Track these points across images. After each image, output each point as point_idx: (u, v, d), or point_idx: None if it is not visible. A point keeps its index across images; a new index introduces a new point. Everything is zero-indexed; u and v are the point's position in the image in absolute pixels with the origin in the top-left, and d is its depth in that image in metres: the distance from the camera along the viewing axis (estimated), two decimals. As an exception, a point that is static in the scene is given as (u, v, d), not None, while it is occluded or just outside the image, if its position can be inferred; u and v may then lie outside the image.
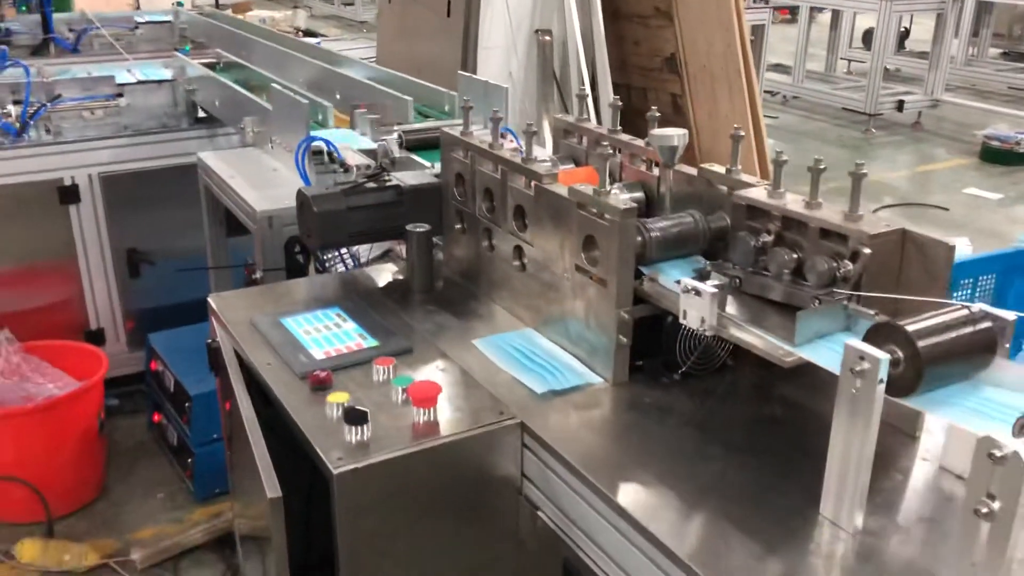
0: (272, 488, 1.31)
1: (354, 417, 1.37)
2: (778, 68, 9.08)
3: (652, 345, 1.54)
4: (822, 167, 1.40)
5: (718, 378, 1.55)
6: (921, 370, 1.10)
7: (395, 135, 2.30)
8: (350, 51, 4.11)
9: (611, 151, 1.58)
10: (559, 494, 1.36)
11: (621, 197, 1.51)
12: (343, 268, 2.11)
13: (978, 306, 1.18)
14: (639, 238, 1.51)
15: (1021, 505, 0.95)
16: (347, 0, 13.92)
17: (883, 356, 1.09)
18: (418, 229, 1.87)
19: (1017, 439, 0.98)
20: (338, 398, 1.43)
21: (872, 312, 1.27)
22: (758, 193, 1.48)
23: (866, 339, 1.14)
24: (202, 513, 2.88)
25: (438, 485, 1.40)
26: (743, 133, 1.60)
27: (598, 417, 1.46)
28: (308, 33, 8.99)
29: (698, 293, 1.34)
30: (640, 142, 1.76)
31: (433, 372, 1.56)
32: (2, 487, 2.78)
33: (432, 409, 1.41)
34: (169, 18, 4.92)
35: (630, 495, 1.25)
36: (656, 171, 1.73)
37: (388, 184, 1.96)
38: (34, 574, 2.66)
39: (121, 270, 3.24)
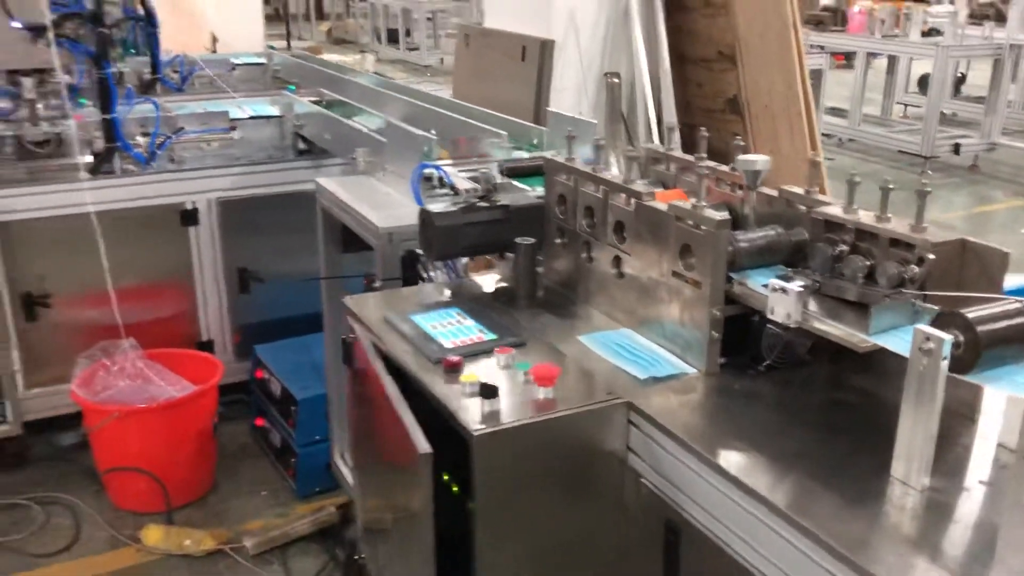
0: (422, 445, 1.55)
1: (487, 391, 1.61)
2: (834, 112, 9.27)
3: (735, 344, 1.77)
4: (891, 186, 1.63)
5: (798, 371, 1.77)
6: (979, 350, 1.32)
7: (495, 164, 2.57)
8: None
9: (707, 172, 1.82)
10: (662, 462, 1.58)
11: (715, 211, 1.75)
12: (448, 278, 2.38)
13: (1029, 301, 1.39)
14: (729, 247, 1.75)
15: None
16: (412, 45, 14.43)
17: (947, 337, 1.31)
18: (525, 242, 2.13)
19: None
20: (470, 378, 1.68)
21: (935, 308, 1.49)
22: (835, 209, 1.71)
23: (932, 325, 1.36)
24: (304, 508, 3.14)
25: (555, 453, 1.63)
26: (819, 159, 1.83)
27: (694, 400, 1.69)
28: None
29: (785, 291, 1.58)
30: (725, 168, 2.00)
31: (546, 360, 1.80)
32: (129, 478, 3.08)
33: (551, 388, 1.65)
34: (263, 60, 5.31)
35: (728, 459, 1.48)
36: (740, 193, 1.97)
37: (497, 204, 2.23)
38: (157, 556, 2.94)
39: (232, 287, 3.55)
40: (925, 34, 8.12)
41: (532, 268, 2.15)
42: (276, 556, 2.94)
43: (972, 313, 1.35)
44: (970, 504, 1.37)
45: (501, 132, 2.91)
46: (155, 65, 4.87)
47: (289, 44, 13.46)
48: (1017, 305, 1.38)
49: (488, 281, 2.29)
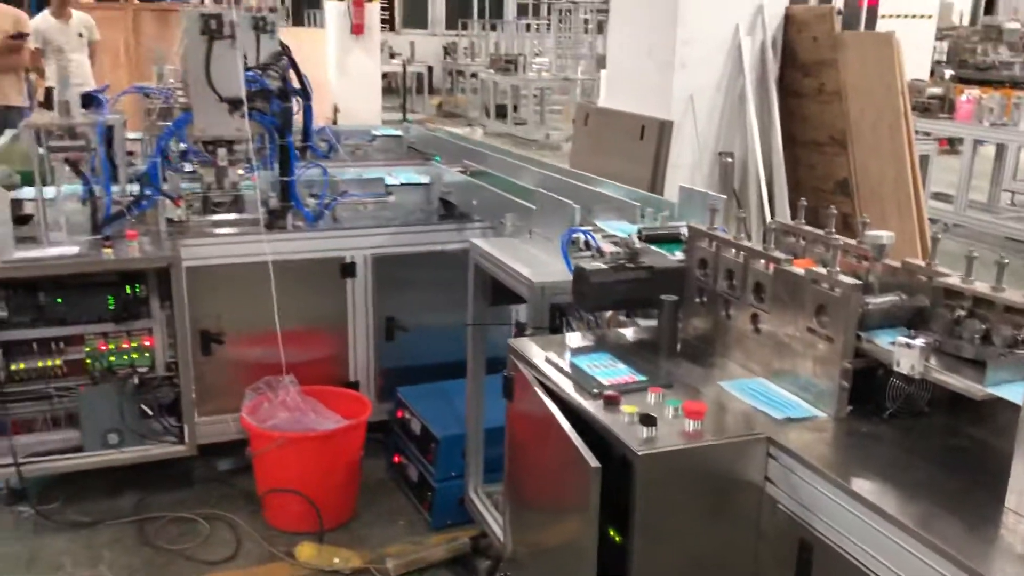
0: (593, 461, 1.84)
1: (647, 420, 1.90)
2: (939, 196, 9.34)
3: (859, 395, 2.01)
4: (1006, 262, 1.88)
5: (917, 420, 2.00)
6: (1085, 399, 1.55)
7: (636, 230, 2.89)
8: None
9: (839, 243, 2.10)
10: (798, 489, 1.83)
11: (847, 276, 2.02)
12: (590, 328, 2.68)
13: None
14: (859, 308, 2.01)
15: None
16: (519, 120, 15.05)
17: (1057, 386, 1.55)
18: (670, 299, 2.43)
19: None
20: (630, 409, 1.97)
21: (1046, 366, 1.72)
22: (954, 280, 1.96)
23: (1043, 377, 1.60)
24: (438, 538, 3.43)
25: (702, 478, 1.90)
26: (939, 236, 2.09)
27: (826, 438, 1.93)
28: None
29: (910, 346, 1.83)
30: (853, 241, 2.27)
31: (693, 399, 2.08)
32: (286, 499, 3.43)
33: (700, 422, 1.93)
34: (400, 133, 5.81)
35: (860, 485, 1.72)
36: (865, 264, 2.23)
37: (643, 265, 2.54)
38: (308, 572, 3.27)
39: (379, 334, 3.93)
40: (1035, 124, 8.21)
41: (674, 322, 2.43)
42: (415, 578, 3.24)
43: (1079, 368, 1.58)
44: (1077, 533, 1.58)
45: (634, 203, 3.23)
46: (307, 134, 5.40)
47: (405, 116, 14.24)
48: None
49: (628, 333, 2.59)
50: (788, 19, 5.41)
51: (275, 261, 3.65)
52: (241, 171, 3.88)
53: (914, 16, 13.55)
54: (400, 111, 15.36)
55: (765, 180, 5.36)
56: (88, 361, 3.47)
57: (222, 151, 3.73)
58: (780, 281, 2.14)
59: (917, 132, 9.00)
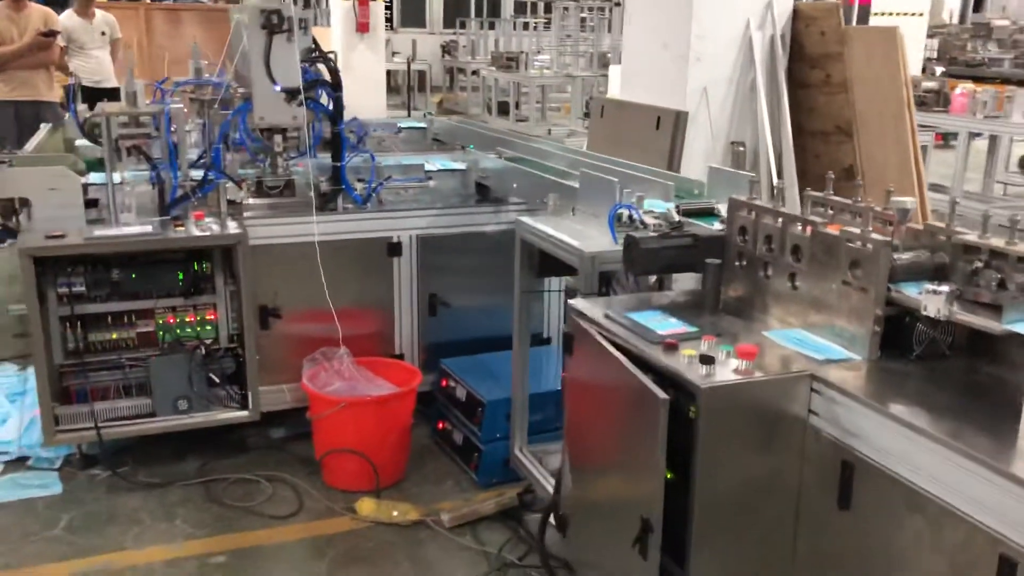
0: (660, 394, 2.12)
1: (706, 359, 2.18)
2: (935, 188, 9.64)
3: (888, 341, 2.29)
4: (1018, 218, 2.16)
5: (940, 361, 2.28)
6: (1090, 328, 1.83)
7: (673, 205, 3.17)
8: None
9: (868, 208, 2.38)
10: (839, 417, 2.11)
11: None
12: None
13: None
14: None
15: None
16: (520, 117, 15.30)
17: (1066, 317, 1.83)
18: (714, 262, 2.70)
19: None
20: (689, 352, 2.24)
21: (1055, 306, 2.00)
22: (972, 237, 2.25)
23: (1053, 312, 1.88)
24: (486, 494, 3.70)
25: (754, 409, 2.18)
26: (959, 201, 2.37)
27: (861, 375, 2.21)
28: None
29: (937, 292, 2.11)
30: (879, 207, 2.55)
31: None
32: (344, 460, 3.69)
33: (751, 362, 2.21)
34: (424, 125, 6.08)
35: (896, 409, 2.00)
36: (890, 227, 2.50)
37: (687, 233, 2.81)
38: (368, 525, 3.53)
39: (423, 309, 4.20)
40: (1027, 116, 8.52)
41: (718, 283, 2.71)
42: (467, 530, 3.50)
43: (1084, 303, 1.86)
44: (1083, 443, 1.86)
45: (669, 183, 3.51)
46: (337, 124, 5.67)
47: (409, 112, 14.51)
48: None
49: (671, 295, 2.87)
50: (796, 14, 5.68)
51: (327, 241, 3.91)
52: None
53: (906, 14, 13.88)
54: (403, 108, 15.61)
55: (776, 168, 5.64)
56: (159, 333, 3.73)
57: (278, 137, 3.99)
58: (817, 242, 2.42)
59: (913, 125, 9.34)
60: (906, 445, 1.94)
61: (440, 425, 4.12)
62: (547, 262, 3.32)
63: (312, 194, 3.92)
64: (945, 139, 12.18)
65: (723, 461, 2.19)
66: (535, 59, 15.08)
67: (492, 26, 19.63)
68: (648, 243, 2.74)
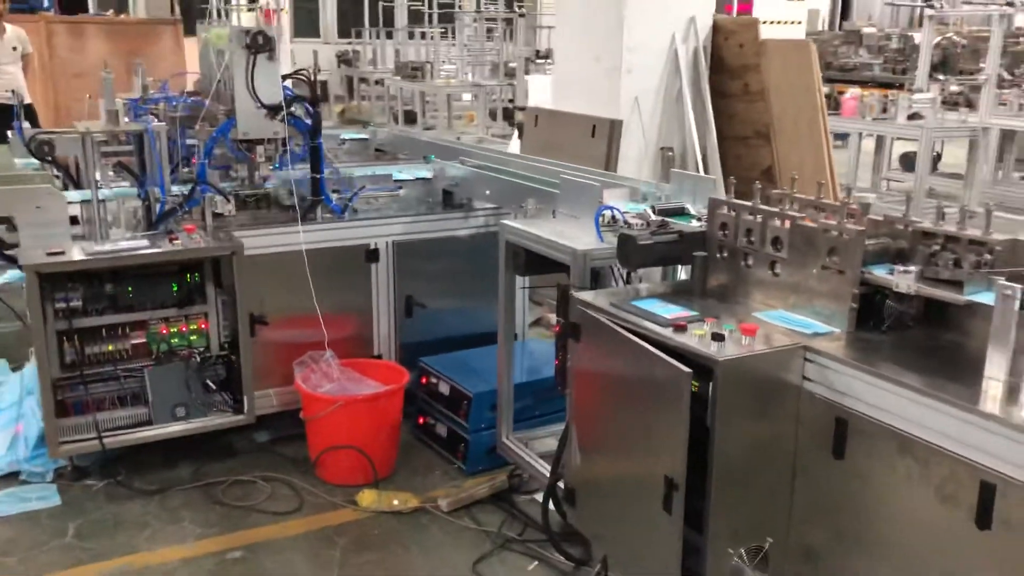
0: (683, 368, 2.44)
1: (717, 337, 2.52)
2: (829, 185, 10.40)
3: (861, 318, 2.68)
4: (969, 209, 2.58)
5: (908, 332, 2.67)
6: (1037, 295, 2.25)
7: (648, 206, 3.51)
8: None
9: (839, 204, 2.77)
10: (831, 380, 2.48)
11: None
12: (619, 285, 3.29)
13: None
14: (859, 249, 2.68)
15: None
16: (428, 125, 15.53)
17: (1019, 287, 2.24)
18: (701, 255, 3.05)
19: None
20: (699, 331, 2.58)
21: (1004, 279, 2.42)
22: (928, 224, 2.66)
23: (1007, 283, 2.29)
24: (477, 480, 3.96)
25: (758, 378, 2.53)
26: (912, 197, 2.78)
27: (844, 344, 2.59)
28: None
29: (906, 271, 2.51)
30: (847, 203, 2.94)
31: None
32: (339, 457, 3.89)
33: (753, 338, 2.56)
34: (367, 136, 6.29)
35: (883, 368, 2.38)
36: (852, 219, 2.90)
37: (673, 230, 3.16)
38: (370, 515, 3.74)
39: (399, 311, 4.43)
40: (909, 118, 9.31)
41: (705, 274, 3.06)
42: (464, 513, 3.76)
43: None
44: (1035, 389, 2.28)
45: (638, 186, 3.86)
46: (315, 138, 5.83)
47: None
48: (1055, 272, 2.33)
49: (659, 287, 3.21)
50: (716, 28, 6.16)
51: (309, 249, 4.10)
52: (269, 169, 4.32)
53: (785, 22, 14.77)
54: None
55: (702, 170, 6.09)
56: (151, 344, 3.85)
57: (260, 148, 4.15)
58: (796, 233, 2.79)
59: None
60: (894, 399, 2.32)
61: (421, 420, 4.35)
62: (535, 261, 3.61)
63: (296, 204, 4.10)
64: (838, 139, 13.03)
65: (734, 424, 2.53)
66: (442, 69, 15.34)
67: (389, 35, 19.76)
68: (642, 239, 3.07)
